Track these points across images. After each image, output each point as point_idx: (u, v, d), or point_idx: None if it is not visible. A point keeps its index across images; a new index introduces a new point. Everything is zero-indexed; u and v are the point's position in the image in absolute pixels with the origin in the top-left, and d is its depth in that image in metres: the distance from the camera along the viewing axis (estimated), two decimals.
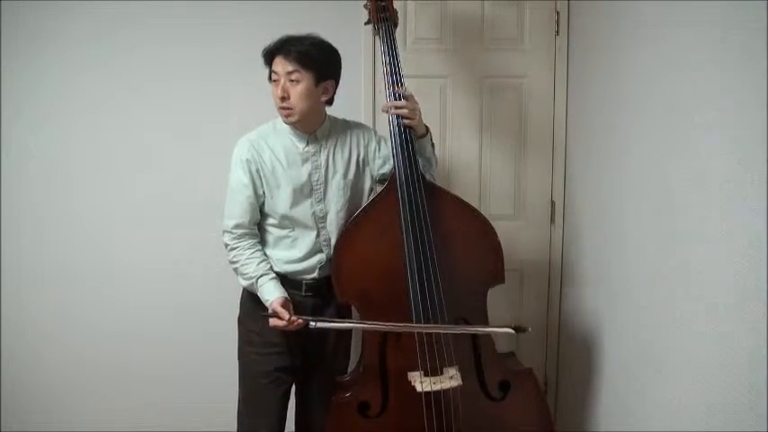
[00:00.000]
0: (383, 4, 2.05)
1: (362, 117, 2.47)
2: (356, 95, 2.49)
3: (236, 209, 1.98)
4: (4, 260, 2.48)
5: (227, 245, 2.01)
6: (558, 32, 2.56)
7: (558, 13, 2.55)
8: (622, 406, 2.08)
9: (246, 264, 1.96)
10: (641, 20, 1.94)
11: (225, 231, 2.00)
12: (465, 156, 2.61)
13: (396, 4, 2.08)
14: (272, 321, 1.87)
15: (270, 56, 1.94)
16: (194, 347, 2.54)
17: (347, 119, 2.13)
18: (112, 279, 2.53)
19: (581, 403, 2.39)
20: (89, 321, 2.53)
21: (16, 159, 2.45)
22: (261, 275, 1.95)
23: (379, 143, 2.12)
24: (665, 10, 1.78)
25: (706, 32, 1.58)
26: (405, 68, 2.00)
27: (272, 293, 1.92)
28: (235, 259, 1.98)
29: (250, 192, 1.97)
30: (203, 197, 2.43)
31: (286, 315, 1.85)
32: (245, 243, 1.99)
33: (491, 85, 2.58)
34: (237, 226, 1.98)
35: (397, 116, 1.95)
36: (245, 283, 1.99)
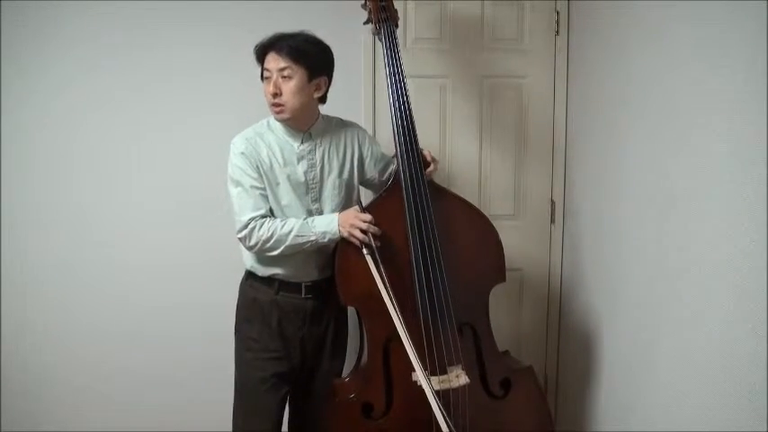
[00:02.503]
0: (384, 3, 2.03)
1: (362, 117, 2.47)
2: (356, 95, 2.49)
3: (250, 203, 1.91)
4: (5, 260, 2.48)
5: (252, 230, 1.89)
6: (558, 32, 2.55)
7: (558, 13, 2.55)
8: (622, 406, 2.08)
9: (284, 224, 1.89)
10: (641, 20, 1.94)
11: (242, 228, 1.90)
12: (465, 155, 2.60)
13: (396, 4, 2.08)
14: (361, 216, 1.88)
15: (262, 52, 1.91)
16: (195, 347, 2.54)
17: (342, 118, 2.11)
18: (113, 279, 2.52)
19: (581, 403, 2.39)
20: (89, 321, 2.53)
21: (16, 158, 2.44)
22: (305, 218, 1.93)
23: (372, 143, 2.12)
24: (665, 10, 1.79)
25: (706, 32, 1.59)
26: (405, 68, 2.00)
27: (326, 215, 1.94)
28: (270, 231, 1.88)
29: (261, 183, 1.92)
30: (204, 196, 2.43)
31: (368, 217, 1.89)
32: (270, 218, 1.92)
33: (491, 85, 2.58)
34: (255, 218, 1.90)
35: (400, 115, 1.94)
36: (290, 239, 1.88)
